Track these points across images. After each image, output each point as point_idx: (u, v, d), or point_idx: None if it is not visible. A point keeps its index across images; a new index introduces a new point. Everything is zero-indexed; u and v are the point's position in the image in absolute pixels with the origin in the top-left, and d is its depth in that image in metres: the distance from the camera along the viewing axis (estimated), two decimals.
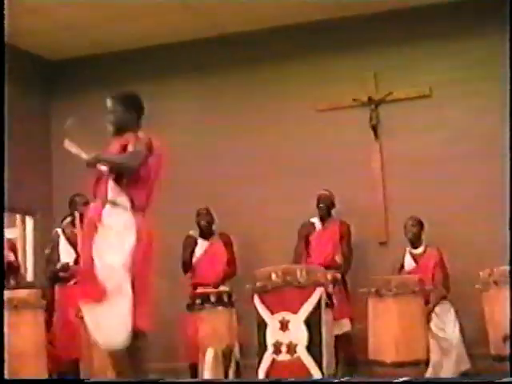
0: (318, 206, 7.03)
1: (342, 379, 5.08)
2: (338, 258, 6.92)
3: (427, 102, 7.36)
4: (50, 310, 6.13)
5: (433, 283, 6.46)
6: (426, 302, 6.10)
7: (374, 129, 7.50)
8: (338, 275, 6.66)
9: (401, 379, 4.31)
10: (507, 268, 5.23)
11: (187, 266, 7.08)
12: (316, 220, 7.06)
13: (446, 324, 6.41)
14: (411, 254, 6.73)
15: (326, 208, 7.02)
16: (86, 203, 6.45)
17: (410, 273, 6.57)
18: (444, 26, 7.36)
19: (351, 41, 7.59)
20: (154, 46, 8.04)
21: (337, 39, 7.63)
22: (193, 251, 7.07)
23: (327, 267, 6.57)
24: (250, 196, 7.65)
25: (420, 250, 6.71)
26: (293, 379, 4.86)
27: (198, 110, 8.12)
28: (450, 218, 6.83)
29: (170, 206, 7.74)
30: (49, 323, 6.05)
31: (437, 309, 6.42)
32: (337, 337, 6.44)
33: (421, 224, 6.72)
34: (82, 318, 5.51)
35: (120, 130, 4.37)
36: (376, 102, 7.51)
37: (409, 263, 6.70)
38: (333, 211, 7.08)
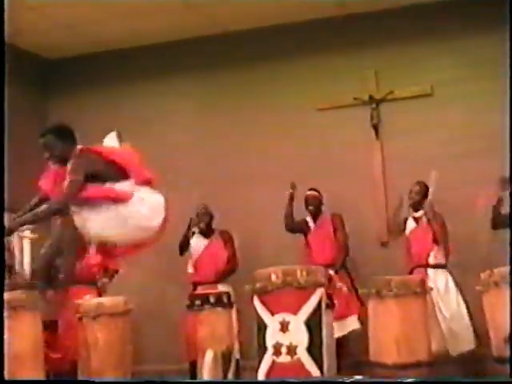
0: (306, 208, 7.09)
1: (345, 379, 5.13)
2: (339, 256, 6.94)
3: (429, 101, 7.41)
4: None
5: (436, 242, 6.57)
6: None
7: (375, 128, 7.54)
8: (331, 272, 6.65)
9: (400, 380, 4.37)
10: (507, 269, 5.27)
11: (183, 248, 7.18)
12: (309, 219, 7.13)
13: (447, 300, 6.44)
14: (413, 217, 6.83)
15: (315, 209, 7.09)
16: None
17: (411, 233, 6.74)
18: (446, 23, 7.38)
19: (352, 39, 7.63)
20: (154, 44, 8.08)
21: (337, 37, 7.67)
22: (188, 240, 7.13)
23: (330, 266, 6.70)
24: (250, 196, 7.68)
25: (420, 213, 6.78)
26: (293, 379, 4.91)
27: (198, 110, 8.16)
28: (452, 218, 6.87)
29: (169, 205, 7.80)
30: (54, 325, 6.06)
31: (435, 281, 6.44)
32: (344, 336, 6.53)
33: (425, 191, 6.76)
34: (80, 318, 5.64)
35: (62, 162, 4.59)
36: (377, 101, 7.55)
37: (410, 224, 6.81)
38: (323, 207, 7.13)
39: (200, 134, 8.03)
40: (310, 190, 7.12)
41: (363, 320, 6.33)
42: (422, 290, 5.68)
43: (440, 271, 6.56)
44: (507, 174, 6.14)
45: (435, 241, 6.63)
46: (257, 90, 7.93)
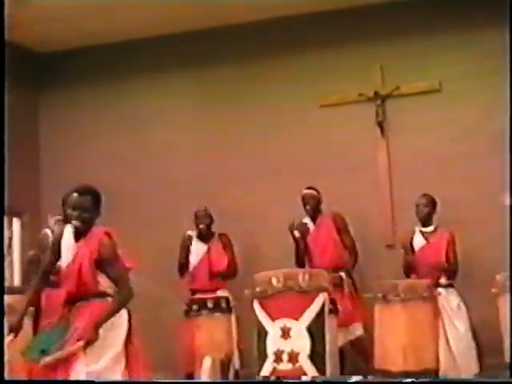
0: (304, 207, 6.96)
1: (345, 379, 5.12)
2: (345, 256, 6.85)
3: (437, 97, 7.36)
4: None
5: (447, 261, 6.38)
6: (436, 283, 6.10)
7: (381, 125, 7.50)
8: (342, 274, 6.59)
9: (400, 380, 4.37)
10: None
11: (183, 268, 7.07)
12: (308, 220, 7.00)
13: (455, 316, 6.33)
14: (421, 232, 6.64)
15: (312, 208, 6.94)
16: None
17: (420, 251, 6.51)
18: (455, 16, 7.34)
19: (356, 32, 7.59)
20: (149, 38, 8.05)
21: (341, 30, 7.63)
22: (189, 251, 7.06)
23: (335, 269, 6.62)
24: (250, 196, 7.65)
25: (431, 228, 6.63)
26: (293, 379, 4.93)
27: (196, 107, 8.13)
28: (462, 219, 6.82)
29: (167, 206, 7.78)
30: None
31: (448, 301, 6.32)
32: (348, 343, 6.46)
33: (433, 204, 6.66)
34: None
35: (82, 227, 4.27)
36: (382, 97, 7.51)
37: (419, 241, 6.61)
38: (322, 206, 7.01)
39: (198, 132, 8.00)
40: (308, 188, 7.02)
41: (366, 327, 6.30)
42: (431, 295, 5.75)
43: (451, 291, 6.38)
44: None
45: (446, 260, 6.44)
46: (257, 87, 7.89)
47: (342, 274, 6.58)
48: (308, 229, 6.96)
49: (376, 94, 7.53)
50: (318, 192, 6.99)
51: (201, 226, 7.07)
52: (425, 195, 6.64)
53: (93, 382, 4.24)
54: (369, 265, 7.11)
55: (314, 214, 6.95)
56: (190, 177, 7.85)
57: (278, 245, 7.29)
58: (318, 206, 6.96)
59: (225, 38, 7.92)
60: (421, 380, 5.00)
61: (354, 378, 5.29)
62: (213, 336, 6.30)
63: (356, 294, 6.69)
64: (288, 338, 5.07)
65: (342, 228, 6.91)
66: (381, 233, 7.39)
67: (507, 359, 5.54)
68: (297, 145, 7.68)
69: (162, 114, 8.10)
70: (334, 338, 5.60)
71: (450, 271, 6.39)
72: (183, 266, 7.06)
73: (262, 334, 5.18)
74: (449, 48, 7.39)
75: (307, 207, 6.94)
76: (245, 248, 7.39)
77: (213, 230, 7.18)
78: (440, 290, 6.21)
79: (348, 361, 6.61)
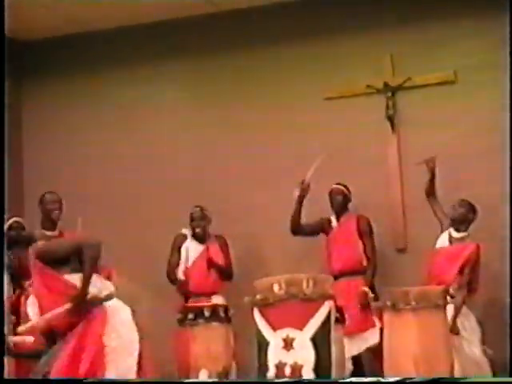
0: (331, 204, 7.06)
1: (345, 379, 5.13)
2: (363, 261, 6.90)
3: (452, 89, 7.35)
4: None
5: (459, 278, 6.40)
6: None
7: (391, 120, 7.50)
8: (367, 290, 6.55)
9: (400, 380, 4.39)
10: None
11: (173, 274, 7.08)
12: (333, 218, 7.10)
13: (469, 334, 6.36)
14: (450, 234, 6.66)
15: (338, 205, 7.03)
16: (57, 202, 6.52)
17: (439, 252, 6.58)
18: (471, 2, 7.32)
19: (365, 19, 7.58)
20: (140, 24, 8.05)
21: (348, 17, 7.62)
22: (179, 257, 7.07)
23: (350, 273, 6.74)
24: (250, 196, 7.67)
25: (461, 234, 6.62)
26: (293, 380, 4.92)
27: (190, 100, 8.13)
28: (479, 221, 6.79)
29: (160, 208, 7.78)
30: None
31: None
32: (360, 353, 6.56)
33: (471, 208, 6.64)
34: None
35: None
36: (393, 89, 7.51)
37: (443, 241, 6.66)
38: (350, 205, 7.10)
39: (192, 127, 8.00)
40: (337, 184, 7.10)
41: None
42: (444, 302, 5.68)
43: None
44: None
45: (461, 272, 6.44)
46: (256, 77, 7.88)
47: (366, 288, 6.57)
48: (331, 227, 7.05)
49: (386, 85, 7.52)
50: (348, 189, 7.07)
51: (197, 230, 7.09)
52: (463, 199, 6.64)
53: (93, 382, 4.37)
54: (378, 270, 7.08)
55: (340, 212, 7.04)
56: (185, 175, 7.84)
57: (279, 248, 7.36)
58: (345, 203, 7.07)
59: (223, 25, 7.91)
60: (418, 380, 5.00)
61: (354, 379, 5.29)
62: (210, 347, 6.29)
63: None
64: (291, 350, 5.05)
65: (365, 232, 6.99)
66: (390, 235, 7.39)
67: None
68: (300, 140, 7.68)
69: (154, 107, 8.11)
70: (341, 350, 5.59)
71: (467, 289, 6.41)
72: (172, 271, 7.08)
73: (263, 344, 5.16)
74: (464, 36, 7.38)
75: (334, 203, 7.04)
76: (244, 252, 7.42)
77: (209, 231, 7.18)
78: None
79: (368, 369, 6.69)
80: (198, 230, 7.09)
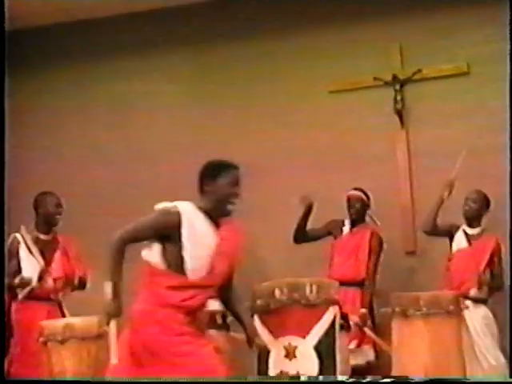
0: (348, 210, 7.08)
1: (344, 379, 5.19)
2: (364, 275, 6.91)
3: (464, 81, 7.38)
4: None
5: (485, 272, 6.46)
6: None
7: (400, 114, 7.53)
8: (365, 311, 6.65)
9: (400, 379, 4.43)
10: None
11: None
12: (347, 222, 7.11)
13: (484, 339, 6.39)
14: (465, 232, 6.71)
15: (356, 212, 7.05)
16: (59, 205, 6.57)
17: (459, 254, 6.59)
18: None
19: (372, 7, 7.59)
20: (132, 13, 8.07)
21: (354, 5, 7.63)
22: None
23: (348, 283, 6.71)
24: (249, 193, 7.65)
25: (477, 230, 6.69)
26: (293, 380, 4.99)
27: (187, 93, 8.16)
28: (493, 222, 6.86)
29: (151, 209, 7.81)
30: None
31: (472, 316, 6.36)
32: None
33: (486, 202, 6.71)
34: (44, 342, 5.65)
35: None
36: (402, 82, 7.53)
37: (460, 241, 6.69)
38: (367, 216, 7.11)
39: (188, 121, 8.04)
40: (355, 189, 7.11)
41: (382, 346, 6.34)
42: (456, 309, 5.73)
43: (482, 308, 6.45)
44: None
45: (485, 270, 6.50)
46: (257, 69, 7.91)
47: (364, 310, 6.65)
48: (342, 232, 7.08)
49: (394, 77, 7.55)
50: (367, 196, 7.08)
51: None
52: (476, 191, 6.69)
53: (93, 382, 4.38)
54: (385, 274, 7.12)
55: (356, 220, 7.07)
56: (180, 175, 7.83)
57: (281, 250, 7.38)
58: (363, 212, 7.09)
59: (222, 14, 7.94)
60: (418, 380, 5.05)
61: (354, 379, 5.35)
62: None
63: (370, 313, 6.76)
64: (293, 359, 5.10)
65: (374, 250, 6.97)
66: (400, 237, 7.42)
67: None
68: (302, 136, 7.71)
69: (147, 100, 8.15)
70: (346, 359, 5.63)
71: (493, 287, 6.47)
72: None
73: (263, 353, 5.19)
74: (478, 24, 7.36)
75: (351, 210, 7.05)
76: (243, 255, 7.41)
77: None
78: (468, 303, 6.24)
79: None
80: None
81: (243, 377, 6.04)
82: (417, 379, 5.05)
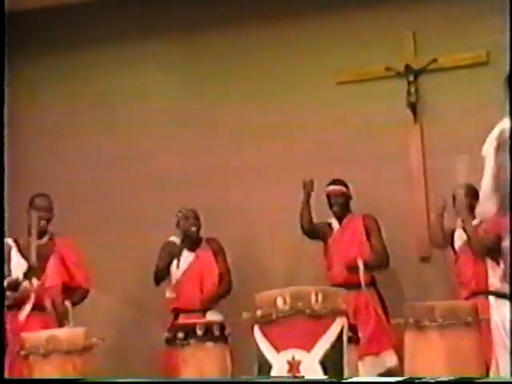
0: (330, 207, 7.11)
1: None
2: (369, 257, 6.93)
3: (483, 72, 7.35)
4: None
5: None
6: None
7: (413, 107, 7.52)
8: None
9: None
10: None
11: (161, 275, 7.06)
12: (333, 220, 7.14)
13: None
14: (462, 227, 6.68)
15: (340, 208, 7.08)
16: (47, 209, 6.51)
17: (462, 249, 6.60)
18: None
19: None
20: None
21: None
22: (171, 262, 7.06)
23: (358, 284, 6.78)
24: (250, 196, 7.66)
25: (474, 222, 6.60)
26: (293, 379, 4.97)
27: (183, 82, 8.17)
28: None
29: (145, 210, 7.77)
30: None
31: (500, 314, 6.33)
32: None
33: (475, 193, 6.64)
34: (26, 356, 5.61)
35: None
36: (416, 72, 7.54)
37: (460, 236, 6.67)
38: (351, 204, 7.13)
39: (182, 116, 8.01)
40: (333, 183, 7.11)
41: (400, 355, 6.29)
42: (475, 319, 5.69)
43: (504, 302, 6.29)
44: None
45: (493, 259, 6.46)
46: (259, 58, 7.90)
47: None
48: (331, 229, 7.09)
49: (407, 67, 7.55)
50: (347, 186, 7.11)
51: (193, 229, 7.07)
52: (466, 185, 6.57)
53: (93, 382, 4.36)
54: (397, 282, 7.18)
55: (342, 215, 7.09)
56: (174, 173, 7.87)
57: (284, 256, 7.39)
58: (347, 204, 7.11)
59: None
60: (422, 380, 5.00)
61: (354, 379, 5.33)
62: (203, 371, 6.27)
63: (385, 316, 6.77)
64: (297, 374, 5.01)
65: (372, 230, 7.04)
66: (413, 242, 7.40)
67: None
68: (308, 130, 7.69)
69: (139, 92, 8.13)
70: (355, 373, 5.62)
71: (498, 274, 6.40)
72: (161, 272, 7.07)
73: (265, 368, 5.13)
74: (498, 10, 7.23)
75: (334, 207, 7.09)
76: (242, 260, 7.40)
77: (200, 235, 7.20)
78: (490, 299, 6.31)
79: None
80: (193, 230, 7.07)
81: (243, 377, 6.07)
82: (421, 380, 5.01)
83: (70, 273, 6.58)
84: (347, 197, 7.13)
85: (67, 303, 6.52)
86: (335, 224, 7.12)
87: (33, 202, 6.62)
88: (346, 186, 7.11)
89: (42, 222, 6.55)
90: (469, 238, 6.57)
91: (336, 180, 7.12)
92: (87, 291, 6.66)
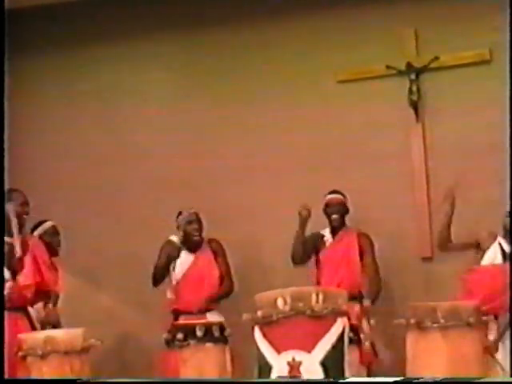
0: (328, 216, 7.06)
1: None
2: (362, 284, 6.87)
3: (486, 70, 7.37)
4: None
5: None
6: None
7: (415, 106, 7.52)
8: (368, 303, 6.66)
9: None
10: None
11: (159, 276, 7.08)
12: (326, 232, 7.10)
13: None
14: (502, 247, 6.55)
15: (339, 215, 7.04)
16: (24, 203, 6.47)
17: (488, 269, 6.48)
18: None
19: None
20: None
21: None
22: (169, 262, 7.09)
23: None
24: (250, 196, 7.69)
25: None
26: (293, 379, 4.98)
27: (181, 81, 8.18)
28: None
29: (144, 211, 7.79)
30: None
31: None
32: None
33: None
34: (23, 357, 5.62)
35: None
36: (417, 70, 7.54)
37: (494, 256, 6.52)
38: (346, 219, 7.10)
39: (181, 115, 8.02)
40: (333, 192, 7.08)
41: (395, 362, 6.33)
42: (478, 321, 5.70)
43: None
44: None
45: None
46: (258, 56, 7.91)
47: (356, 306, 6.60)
48: (324, 242, 7.06)
49: (409, 66, 7.55)
50: (345, 197, 7.07)
51: (195, 234, 7.09)
52: None
53: (93, 382, 4.38)
54: (399, 283, 7.17)
55: (337, 227, 7.06)
56: (173, 173, 7.88)
57: (284, 257, 7.26)
58: (344, 216, 7.07)
59: None
60: (421, 380, 5.03)
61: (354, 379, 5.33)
62: (203, 372, 6.28)
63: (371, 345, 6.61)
64: (297, 375, 5.03)
65: (365, 250, 6.99)
66: (415, 241, 7.41)
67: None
68: (308, 130, 7.69)
69: (137, 90, 8.14)
70: (356, 376, 5.64)
71: None
72: (160, 272, 7.08)
73: (265, 369, 5.14)
74: (500, 8, 7.30)
75: (333, 217, 7.04)
76: (242, 261, 7.41)
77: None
78: None
79: None
80: (196, 235, 7.09)
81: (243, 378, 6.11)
82: (419, 380, 5.02)
83: (41, 273, 6.39)
84: (345, 208, 7.08)
85: (41, 305, 6.47)
86: (328, 236, 7.09)
87: (10, 196, 6.39)
88: (344, 197, 7.08)
89: (23, 217, 6.40)
90: None
91: (335, 190, 7.08)
92: (58, 295, 6.55)
